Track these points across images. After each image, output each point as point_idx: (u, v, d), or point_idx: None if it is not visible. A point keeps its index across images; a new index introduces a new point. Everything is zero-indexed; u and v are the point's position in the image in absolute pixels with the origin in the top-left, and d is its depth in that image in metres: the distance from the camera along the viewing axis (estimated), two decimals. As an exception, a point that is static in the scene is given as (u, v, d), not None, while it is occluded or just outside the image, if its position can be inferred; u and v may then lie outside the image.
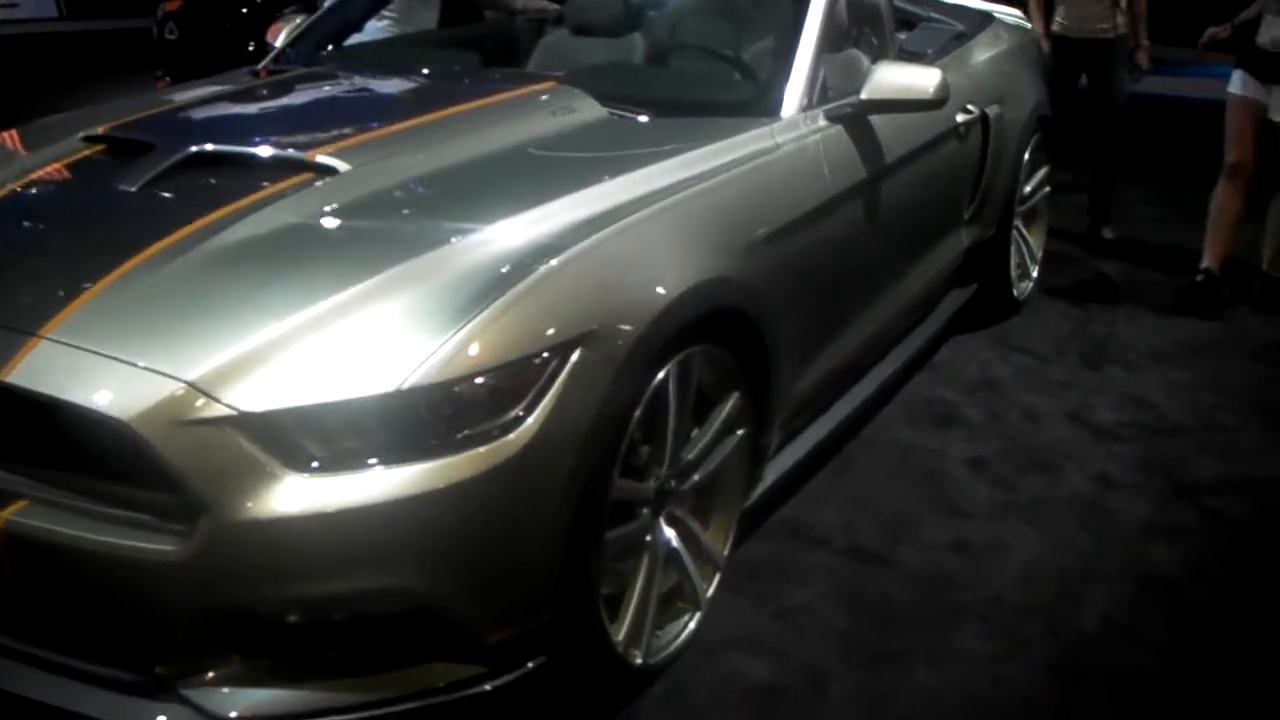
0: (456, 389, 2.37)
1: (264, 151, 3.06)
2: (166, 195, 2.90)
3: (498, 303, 2.45)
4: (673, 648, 3.04)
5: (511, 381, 2.43)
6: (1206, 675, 3.04)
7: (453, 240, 2.62)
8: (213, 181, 2.96)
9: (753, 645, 3.13)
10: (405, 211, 2.84)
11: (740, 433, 3.18)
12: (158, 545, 2.31)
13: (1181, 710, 2.92)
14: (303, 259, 2.62)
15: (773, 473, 3.53)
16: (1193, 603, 3.32)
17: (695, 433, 3.03)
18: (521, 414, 2.44)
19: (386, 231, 2.72)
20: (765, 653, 3.10)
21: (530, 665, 2.63)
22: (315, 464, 2.33)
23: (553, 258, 2.58)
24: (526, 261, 2.56)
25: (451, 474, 2.36)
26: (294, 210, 2.77)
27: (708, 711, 2.88)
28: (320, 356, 2.38)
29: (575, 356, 2.49)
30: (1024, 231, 5.46)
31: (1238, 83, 5.48)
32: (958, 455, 4.16)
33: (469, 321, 2.41)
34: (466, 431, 2.39)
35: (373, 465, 2.35)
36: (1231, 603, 3.36)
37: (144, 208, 2.86)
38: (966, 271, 4.96)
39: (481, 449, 2.39)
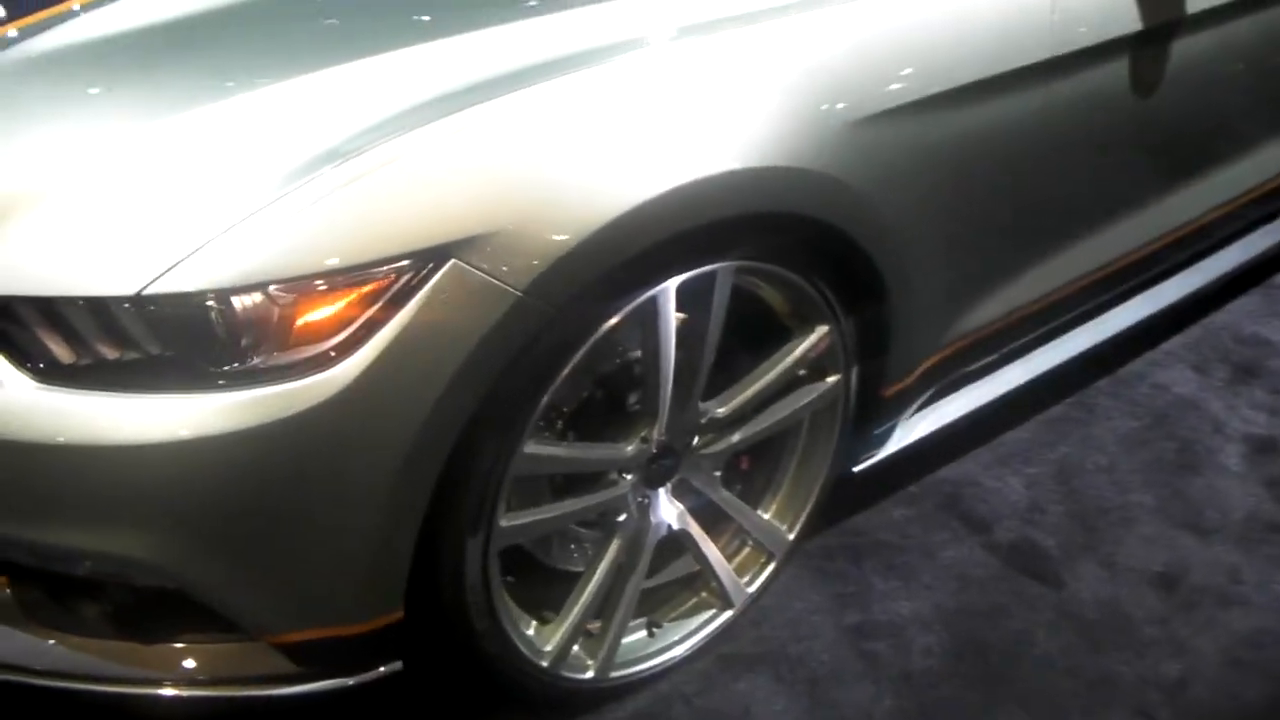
0: (236, 303, 1.60)
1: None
2: None
3: (322, 180, 1.65)
4: (670, 655, 2.21)
5: (329, 299, 1.62)
6: None
7: (298, 78, 1.81)
8: None
9: (792, 674, 2.25)
10: (255, 27, 2.01)
11: (832, 380, 2.20)
12: None
13: None
14: (89, 89, 1.90)
15: (922, 427, 2.54)
16: None
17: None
18: (342, 347, 1.64)
19: (215, 58, 1.93)
20: (802, 693, 2.21)
21: (376, 671, 1.88)
22: (43, 367, 1.66)
23: (437, 119, 1.71)
24: (397, 120, 1.71)
25: (220, 420, 1.64)
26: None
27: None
28: (60, 233, 1.71)
29: (443, 272, 1.64)
30: None
31: None
32: (1240, 430, 2.98)
33: (269, 205, 1.61)
34: (251, 363, 1.63)
35: (111, 389, 1.65)
36: None
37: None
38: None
39: (270, 391, 1.64)
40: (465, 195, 1.68)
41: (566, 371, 1.82)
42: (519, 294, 1.67)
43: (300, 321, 1.63)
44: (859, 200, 2.05)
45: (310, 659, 1.84)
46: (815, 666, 2.27)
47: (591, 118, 1.78)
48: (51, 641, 1.83)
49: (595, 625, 2.12)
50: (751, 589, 2.30)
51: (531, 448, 1.83)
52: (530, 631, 2.02)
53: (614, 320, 1.83)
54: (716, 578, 2.23)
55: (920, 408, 2.56)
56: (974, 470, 2.79)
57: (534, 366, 1.77)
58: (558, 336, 1.77)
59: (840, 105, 2.00)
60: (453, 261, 1.64)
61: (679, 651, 2.23)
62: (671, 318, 1.91)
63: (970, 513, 2.66)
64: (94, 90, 1.91)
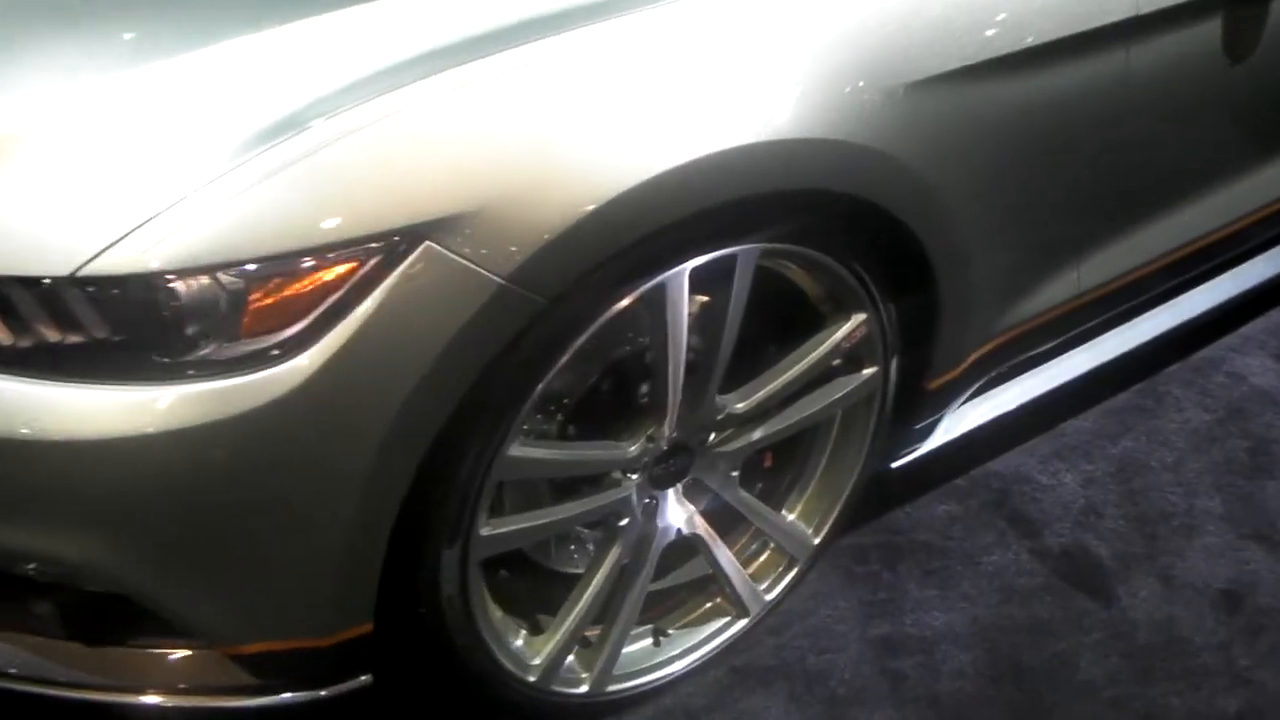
0: (181, 287, 1.42)
1: None
2: None
3: (280, 149, 1.45)
4: (676, 666, 2.03)
5: (285, 285, 1.42)
6: None
7: (260, 32, 1.59)
8: None
9: (809, 692, 2.06)
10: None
11: (869, 372, 1.98)
12: None
13: None
14: (33, 38, 1.71)
15: (971, 419, 2.31)
16: None
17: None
18: (299, 339, 1.46)
19: (174, 6, 1.70)
20: (818, 714, 2.04)
21: (343, 685, 1.70)
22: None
23: (412, 82, 1.50)
24: (368, 83, 1.50)
25: (165, 416, 1.46)
26: None
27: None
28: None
29: (415, 256, 1.43)
30: None
31: None
32: (1323, 430, 2.71)
33: (219, 178, 1.42)
34: (199, 354, 1.45)
35: (49, 376, 1.48)
36: None
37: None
38: None
39: (220, 385, 1.45)
40: (443, 169, 1.47)
41: (558, 368, 1.61)
42: (502, 282, 1.47)
43: (252, 309, 1.44)
44: (906, 177, 1.82)
45: (272, 671, 1.67)
46: (835, 684, 2.07)
47: (591, 82, 1.56)
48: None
49: (594, 632, 1.93)
50: (770, 596, 2.10)
51: (517, 450, 1.64)
52: (519, 642, 1.85)
53: (613, 311, 1.62)
54: (730, 584, 2.03)
55: (971, 396, 2.33)
56: (1028, 464, 2.57)
57: (520, 363, 1.57)
58: (549, 330, 1.57)
59: (887, 70, 1.77)
60: (426, 244, 1.44)
61: (686, 663, 2.04)
62: (683, 307, 1.70)
63: (1020, 513, 2.44)
64: (37, 40, 1.70)
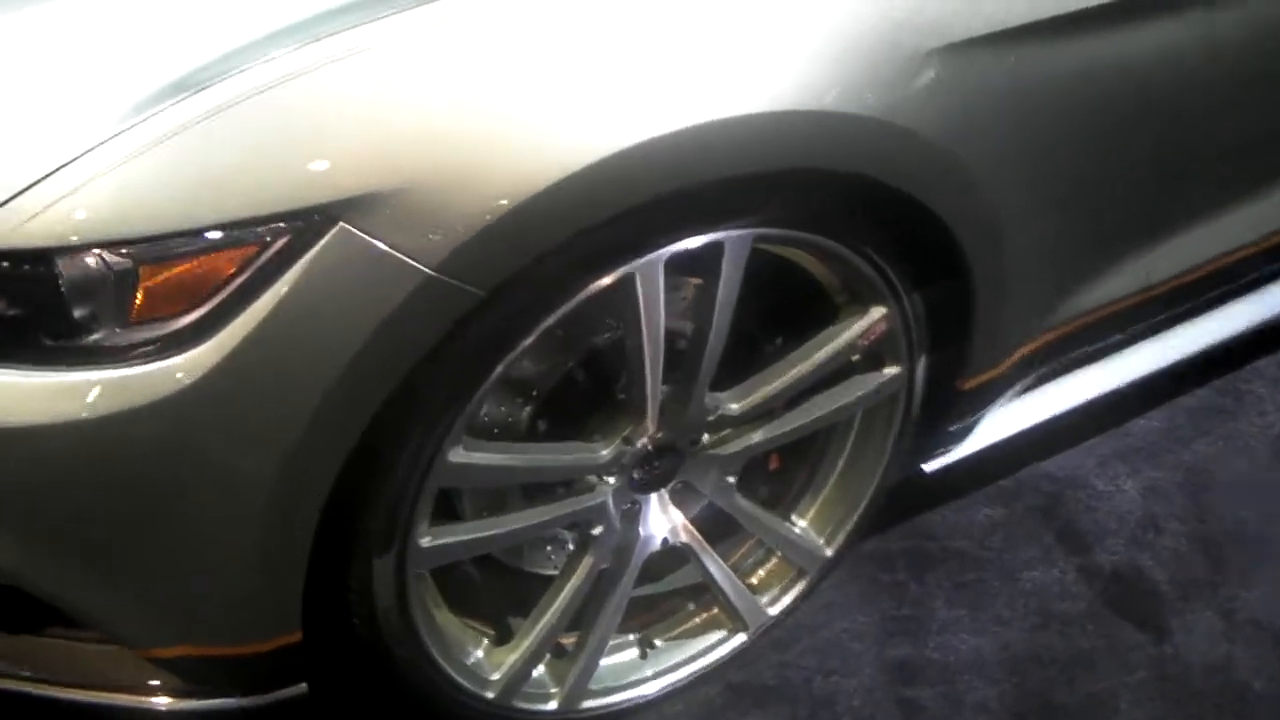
0: (62, 266, 1.26)
1: None
2: None
3: (174, 112, 1.28)
4: (663, 682, 1.85)
5: (181, 267, 1.27)
6: None
7: None
8: None
9: (811, 718, 1.85)
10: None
11: (891, 371, 1.77)
12: None
13: None
14: None
15: (1016, 419, 2.09)
16: None
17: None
18: (198, 328, 1.29)
19: None
20: (815, 742, 1.83)
21: (273, 695, 1.55)
22: None
23: (328, 35, 1.31)
24: (278, 36, 1.32)
25: (49, 405, 1.30)
26: None
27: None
28: None
29: (327, 239, 1.25)
30: None
31: None
32: None
33: (104, 143, 1.26)
34: (88, 339, 1.30)
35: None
36: None
37: None
38: None
39: (111, 374, 1.30)
40: (361, 138, 1.29)
41: (504, 366, 1.42)
42: (430, 272, 1.29)
43: (144, 292, 1.27)
44: (933, 155, 1.59)
45: (197, 676, 1.53)
46: (841, 711, 1.89)
47: (544, 38, 1.36)
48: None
49: (570, 640, 1.76)
50: (774, 609, 1.91)
51: (459, 455, 1.46)
52: (478, 653, 1.68)
53: (569, 306, 1.42)
54: (725, 596, 1.84)
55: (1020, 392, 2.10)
56: (1085, 465, 2.33)
57: (456, 363, 1.39)
58: (488, 326, 1.39)
59: (915, 30, 1.53)
60: (340, 226, 1.27)
61: (675, 678, 1.86)
62: (658, 299, 1.50)
63: (1071, 524, 2.21)
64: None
